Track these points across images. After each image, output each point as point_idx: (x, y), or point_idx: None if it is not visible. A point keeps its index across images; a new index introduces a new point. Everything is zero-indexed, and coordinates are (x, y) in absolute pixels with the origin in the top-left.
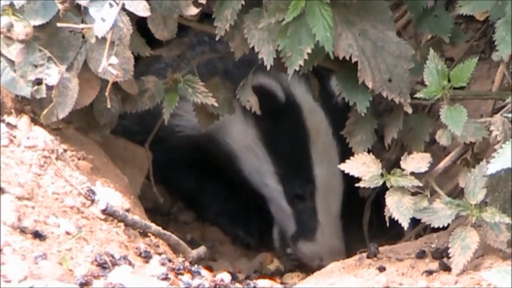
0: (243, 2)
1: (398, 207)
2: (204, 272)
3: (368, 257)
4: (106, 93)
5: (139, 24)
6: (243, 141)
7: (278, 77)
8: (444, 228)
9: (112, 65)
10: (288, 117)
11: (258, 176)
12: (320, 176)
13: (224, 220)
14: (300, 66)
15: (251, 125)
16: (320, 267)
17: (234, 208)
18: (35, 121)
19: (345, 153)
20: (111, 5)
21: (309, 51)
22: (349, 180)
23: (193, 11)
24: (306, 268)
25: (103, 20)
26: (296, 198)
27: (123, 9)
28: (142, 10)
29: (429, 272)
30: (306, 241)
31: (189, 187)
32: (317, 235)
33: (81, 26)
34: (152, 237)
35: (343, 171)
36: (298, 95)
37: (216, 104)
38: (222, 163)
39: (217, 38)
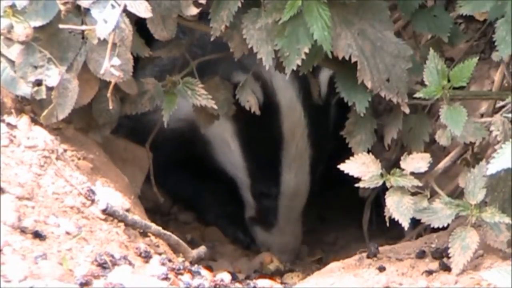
0: (239, 4)
1: (398, 207)
2: (204, 272)
3: (368, 257)
4: (108, 94)
5: (137, 24)
6: (219, 133)
7: (257, 72)
8: (444, 228)
9: (114, 66)
10: (265, 115)
11: (230, 166)
12: (287, 181)
13: (223, 222)
14: (298, 65)
15: (228, 119)
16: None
17: (233, 210)
18: (35, 121)
19: (319, 153)
20: (113, 6)
21: (307, 50)
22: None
23: (193, 11)
24: (304, 268)
25: (105, 21)
26: (261, 194)
27: (124, 10)
28: (143, 11)
29: (429, 272)
30: (262, 231)
31: (187, 192)
32: (273, 230)
33: (84, 27)
34: (152, 237)
35: (311, 174)
36: (279, 90)
37: (215, 107)
38: (199, 150)
39: (212, 39)
